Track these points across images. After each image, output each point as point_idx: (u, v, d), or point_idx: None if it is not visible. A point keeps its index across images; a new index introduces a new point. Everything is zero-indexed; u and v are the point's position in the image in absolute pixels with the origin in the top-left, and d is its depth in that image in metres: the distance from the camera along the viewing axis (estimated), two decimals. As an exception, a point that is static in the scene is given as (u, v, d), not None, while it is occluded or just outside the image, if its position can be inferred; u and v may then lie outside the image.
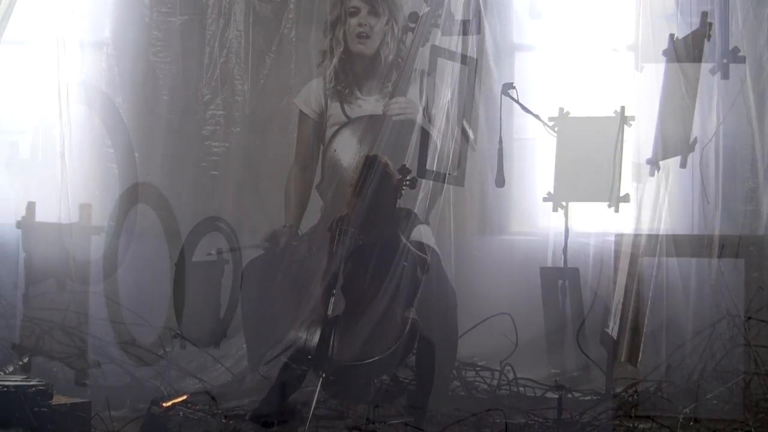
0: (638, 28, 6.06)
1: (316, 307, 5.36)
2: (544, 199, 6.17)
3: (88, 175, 6.27)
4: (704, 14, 5.40)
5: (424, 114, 5.79)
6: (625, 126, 5.99)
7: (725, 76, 5.48)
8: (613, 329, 5.63)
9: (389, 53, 6.07)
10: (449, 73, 5.77)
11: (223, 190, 6.56)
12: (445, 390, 5.72)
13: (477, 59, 5.81)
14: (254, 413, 5.21)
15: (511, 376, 5.91)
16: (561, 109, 6.19)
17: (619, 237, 5.86)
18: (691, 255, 5.67)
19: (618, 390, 5.55)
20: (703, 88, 5.50)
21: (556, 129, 6.16)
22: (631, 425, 5.13)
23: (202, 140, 6.60)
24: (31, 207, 6.07)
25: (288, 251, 6.00)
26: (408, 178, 5.38)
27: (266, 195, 6.48)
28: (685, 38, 5.66)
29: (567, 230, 6.15)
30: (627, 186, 5.91)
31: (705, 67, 5.52)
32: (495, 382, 5.94)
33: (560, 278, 6.21)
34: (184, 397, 5.37)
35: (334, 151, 6.05)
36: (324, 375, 5.12)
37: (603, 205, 5.95)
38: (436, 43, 5.81)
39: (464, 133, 5.78)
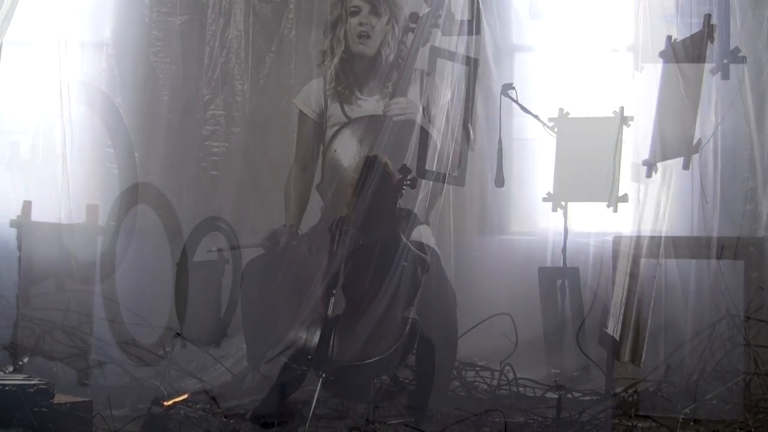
0: (637, 29, 6.06)
1: (316, 307, 5.35)
2: (544, 200, 6.19)
3: (88, 175, 6.28)
4: (707, 16, 5.39)
5: (424, 114, 5.80)
6: (624, 126, 6.00)
7: (725, 76, 5.48)
8: (615, 329, 5.63)
9: (390, 53, 6.07)
10: (449, 73, 5.77)
11: (223, 190, 6.56)
12: (445, 390, 5.72)
13: (477, 59, 5.80)
14: (254, 413, 5.21)
15: (510, 376, 5.91)
16: (561, 110, 6.20)
17: (618, 238, 5.87)
18: (689, 256, 5.67)
19: (618, 390, 5.54)
20: (703, 88, 5.49)
21: (555, 129, 6.18)
22: (630, 424, 5.13)
23: (202, 140, 6.61)
24: (26, 206, 6.05)
25: (288, 251, 6.00)
26: (409, 178, 5.38)
27: (266, 195, 6.48)
28: (683, 40, 5.66)
29: (566, 230, 6.16)
30: (626, 186, 5.92)
31: (705, 67, 5.50)
32: (495, 382, 5.93)
33: (559, 278, 6.22)
34: (185, 396, 5.37)
35: (335, 151, 6.05)
36: (324, 375, 5.12)
37: (602, 205, 5.96)
38: (436, 44, 5.82)
39: (466, 133, 5.77)
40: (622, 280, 5.71)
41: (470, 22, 5.77)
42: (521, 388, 5.88)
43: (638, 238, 5.68)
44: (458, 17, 5.76)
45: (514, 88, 6.16)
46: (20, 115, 6.39)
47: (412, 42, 5.86)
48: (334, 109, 6.10)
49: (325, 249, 5.52)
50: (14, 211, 6.07)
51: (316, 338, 5.30)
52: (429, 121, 5.76)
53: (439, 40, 5.80)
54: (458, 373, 5.97)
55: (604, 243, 6.03)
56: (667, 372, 5.57)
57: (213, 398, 5.32)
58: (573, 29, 6.51)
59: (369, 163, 5.41)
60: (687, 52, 5.59)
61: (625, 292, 5.68)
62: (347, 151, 6.03)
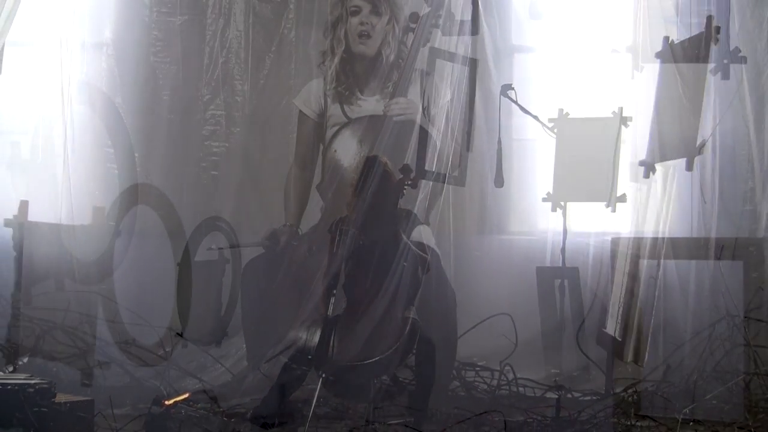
0: (636, 30, 6.07)
1: (317, 307, 5.35)
2: (544, 200, 6.20)
3: (88, 175, 6.26)
4: (709, 18, 5.40)
5: (424, 114, 5.80)
6: (623, 127, 6.01)
7: (725, 76, 5.48)
8: (615, 329, 5.63)
9: (390, 53, 6.06)
10: (449, 73, 5.78)
11: (223, 190, 6.56)
12: (445, 390, 5.72)
13: (477, 60, 5.80)
14: (254, 413, 5.20)
15: (510, 376, 5.90)
16: (560, 110, 6.21)
17: (616, 238, 5.88)
18: (688, 257, 5.67)
19: (618, 390, 5.55)
20: (706, 90, 5.49)
21: (555, 130, 6.19)
22: (629, 423, 5.13)
23: (202, 140, 6.60)
24: (23, 206, 6.02)
25: (288, 251, 6.00)
26: (410, 177, 5.39)
27: (266, 195, 6.48)
28: (682, 41, 5.66)
29: (565, 230, 6.17)
30: (626, 187, 5.92)
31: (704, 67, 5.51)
32: (495, 382, 5.93)
33: (557, 278, 6.23)
34: (186, 395, 5.37)
35: (335, 151, 6.05)
36: (324, 375, 5.13)
37: (602, 206, 5.98)
38: (436, 45, 5.81)
39: (466, 133, 5.77)
40: (621, 280, 5.72)
41: (470, 22, 5.76)
42: (521, 388, 5.87)
43: (637, 238, 5.69)
44: (458, 17, 5.75)
45: (513, 88, 6.17)
46: (21, 116, 6.37)
47: (412, 42, 5.86)
48: (335, 109, 6.10)
49: (325, 249, 5.51)
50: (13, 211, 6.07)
51: (317, 338, 5.30)
52: (429, 121, 5.76)
53: (439, 40, 5.80)
54: (458, 373, 5.97)
55: (604, 243, 6.05)
56: (666, 372, 5.56)
57: (213, 399, 5.33)
58: (572, 30, 6.52)
59: (369, 164, 5.40)
60: (685, 53, 5.59)
61: (624, 292, 5.70)
62: (347, 151, 6.03)
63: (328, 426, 5.17)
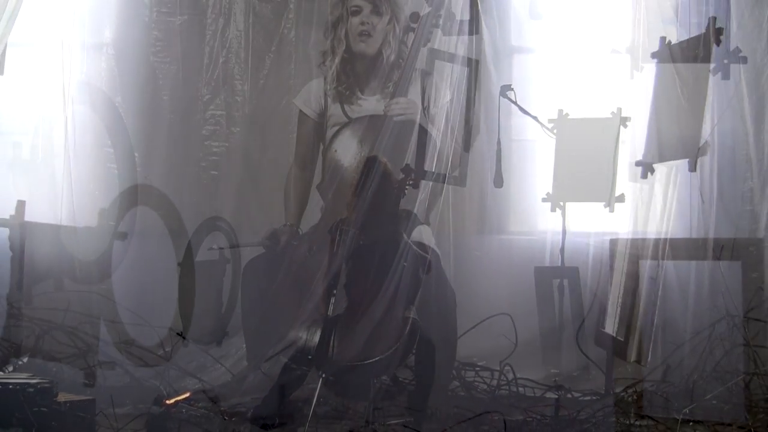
0: (635, 30, 6.07)
1: (317, 307, 5.37)
2: (543, 200, 6.21)
3: (88, 175, 6.26)
4: (712, 19, 5.40)
5: (424, 114, 5.80)
6: (622, 127, 6.02)
7: (726, 76, 5.48)
8: (616, 330, 5.64)
9: (391, 53, 6.06)
10: (449, 73, 5.78)
11: (223, 190, 6.56)
12: (444, 390, 5.72)
13: (478, 60, 5.81)
14: (254, 414, 5.21)
15: (510, 376, 5.91)
16: (560, 111, 6.23)
17: (615, 240, 5.88)
18: (687, 258, 5.66)
19: (618, 390, 5.55)
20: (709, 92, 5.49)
21: (554, 130, 6.20)
22: (628, 422, 5.13)
23: (202, 140, 6.60)
24: (20, 206, 6.01)
25: (288, 251, 6.00)
26: (411, 177, 5.39)
27: (266, 195, 6.49)
28: (680, 43, 5.66)
29: (564, 230, 6.19)
30: (626, 187, 5.93)
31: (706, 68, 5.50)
32: (495, 383, 5.93)
33: (556, 277, 6.25)
34: (188, 394, 5.37)
35: (335, 151, 6.05)
36: (324, 375, 5.13)
37: (602, 206, 6.00)
38: (435, 45, 5.81)
39: (466, 134, 5.78)
40: (620, 280, 5.72)
41: (470, 22, 5.77)
42: (521, 389, 5.87)
43: (637, 239, 5.69)
44: (458, 17, 5.76)
45: (512, 89, 6.18)
46: (22, 116, 6.37)
47: (413, 42, 5.86)
48: (335, 109, 6.10)
49: (325, 249, 5.53)
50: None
51: (317, 338, 5.32)
52: (429, 121, 5.77)
53: (440, 39, 5.80)
54: (458, 373, 5.97)
55: (603, 243, 6.04)
56: (666, 372, 5.56)
57: (212, 399, 5.33)
58: (572, 30, 6.51)
59: (369, 164, 5.41)
60: (684, 54, 5.59)
61: (622, 292, 5.71)
62: (348, 151, 6.03)
63: (328, 426, 5.17)
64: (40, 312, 5.90)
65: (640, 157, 5.85)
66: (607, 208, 6.01)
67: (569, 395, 5.69)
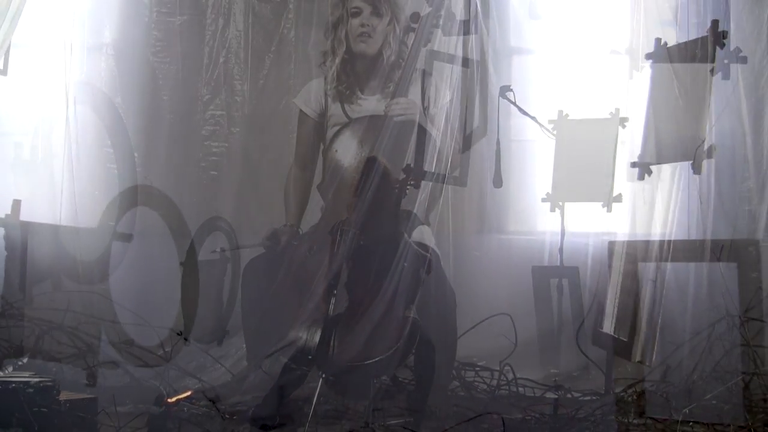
0: (635, 31, 6.08)
1: (317, 307, 5.36)
2: (543, 200, 6.23)
3: (88, 175, 6.24)
4: (715, 22, 5.40)
5: (424, 114, 5.81)
6: (620, 128, 6.04)
7: (726, 76, 5.49)
8: (617, 330, 5.64)
9: (391, 54, 6.06)
10: (449, 74, 5.78)
11: (223, 190, 6.56)
12: (444, 390, 5.72)
13: (479, 61, 5.81)
14: (254, 414, 5.20)
15: (510, 376, 5.90)
16: (560, 112, 6.24)
17: (613, 242, 5.88)
18: (685, 259, 5.66)
19: (618, 390, 5.55)
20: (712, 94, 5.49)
21: (554, 131, 6.21)
22: (627, 420, 5.13)
23: (202, 140, 6.61)
24: (16, 205, 5.99)
25: (288, 251, 6.00)
26: (412, 177, 5.39)
27: (266, 195, 6.49)
28: (679, 44, 5.67)
29: (563, 230, 6.21)
30: (626, 187, 5.93)
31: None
32: (494, 383, 5.93)
33: (553, 277, 6.27)
34: (189, 392, 5.37)
35: (335, 151, 6.05)
36: (324, 375, 5.13)
37: (600, 206, 6.02)
38: (435, 46, 5.82)
39: (469, 134, 5.79)
40: (620, 281, 5.73)
41: (470, 22, 5.77)
42: (521, 389, 5.87)
43: (638, 241, 5.70)
44: (458, 17, 5.76)
45: (512, 90, 6.19)
46: (23, 117, 6.36)
47: (413, 42, 5.85)
48: (335, 108, 6.10)
49: (325, 249, 5.53)
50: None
51: (317, 338, 5.31)
52: (429, 122, 5.77)
53: (440, 40, 5.80)
54: (458, 373, 5.97)
55: (603, 243, 6.04)
56: (666, 372, 5.57)
57: (211, 400, 5.32)
58: (571, 31, 6.52)
59: (369, 164, 5.41)
60: (682, 56, 5.59)
61: (619, 292, 5.71)
62: (348, 151, 6.03)
63: (328, 426, 5.16)
64: (40, 312, 5.88)
65: (636, 158, 5.86)
66: (605, 208, 6.03)
67: (569, 395, 5.69)
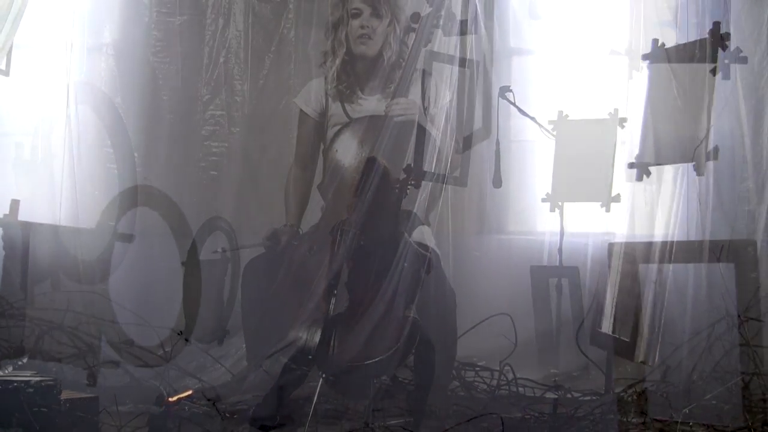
0: (635, 31, 6.08)
1: (317, 307, 5.37)
2: (543, 200, 6.23)
3: (88, 175, 6.24)
4: (716, 24, 5.41)
5: (425, 114, 5.81)
6: (619, 128, 6.04)
7: (726, 76, 5.49)
8: (618, 330, 5.64)
9: (392, 54, 6.05)
10: (449, 74, 5.79)
11: (223, 190, 6.57)
12: (444, 390, 5.72)
13: (478, 62, 5.82)
14: (254, 414, 5.21)
15: (510, 376, 5.91)
16: (560, 112, 6.25)
17: (613, 244, 5.89)
18: (684, 261, 5.67)
19: (618, 390, 5.55)
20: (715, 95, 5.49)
21: (554, 131, 6.22)
22: (626, 420, 5.14)
23: (202, 140, 6.62)
24: (14, 205, 5.99)
25: (288, 251, 6.00)
26: (412, 177, 5.40)
27: (266, 195, 6.50)
28: (677, 45, 5.67)
29: (562, 230, 6.22)
30: (626, 188, 5.93)
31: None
32: (494, 383, 5.93)
33: (552, 276, 6.28)
34: (190, 392, 5.38)
35: (336, 151, 6.04)
36: (324, 375, 5.13)
37: (599, 206, 6.03)
38: (435, 47, 5.81)
39: (469, 135, 5.80)
40: (620, 282, 5.73)
41: (470, 22, 5.77)
42: (520, 389, 5.88)
43: (636, 242, 5.70)
44: (459, 18, 5.76)
45: (511, 90, 6.19)
46: (24, 117, 6.35)
47: (413, 42, 5.85)
48: (336, 108, 6.10)
49: (325, 249, 5.54)
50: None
51: (317, 338, 5.32)
52: (429, 122, 5.77)
53: (440, 40, 5.80)
54: (458, 373, 5.97)
55: (602, 243, 6.04)
56: (666, 372, 5.57)
57: (210, 401, 5.32)
58: (570, 32, 6.53)
59: (369, 164, 5.42)
60: (680, 57, 5.60)
61: (617, 292, 5.72)
62: (348, 151, 6.02)
63: (328, 426, 5.16)
64: (40, 312, 5.88)
65: (640, 158, 5.86)
66: (604, 208, 6.04)
67: (569, 395, 5.70)
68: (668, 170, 5.68)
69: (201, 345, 6.03)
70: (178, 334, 5.86)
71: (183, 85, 6.63)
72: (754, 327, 5.39)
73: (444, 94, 5.84)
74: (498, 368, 5.93)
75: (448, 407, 5.44)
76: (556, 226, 6.30)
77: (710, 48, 5.35)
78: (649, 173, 5.70)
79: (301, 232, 6.12)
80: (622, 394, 5.45)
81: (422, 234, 5.68)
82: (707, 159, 5.39)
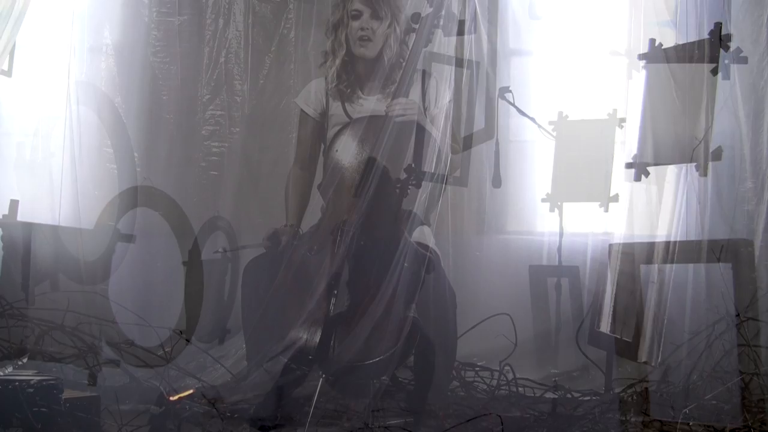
0: (632, 32, 6.09)
1: (318, 307, 5.37)
2: (543, 200, 6.24)
3: (87, 175, 6.24)
4: (718, 24, 5.41)
5: (425, 114, 5.82)
6: (618, 128, 6.05)
7: (726, 76, 5.50)
8: (615, 330, 5.65)
9: (392, 55, 6.03)
10: (449, 74, 5.79)
11: (223, 190, 6.57)
12: (444, 390, 5.72)
13: (478, 62, 5.82)
14: (254, 415, 5.20)
15: (510, 376, 5.90)
16: (560, 113, 6.26)
17: (613, 244, 5.90)
18: (683, 261, 5.67)
19: (618, 390, 5.56)
20: (718, 95, 5.49)
21: (554, 132, 6.22)
22: (625, 419, 5.15)
23: (202, 140, 6.62)
24: (13, 205, 5.99)
25: (289, 251, 5.99)
26: (413, 177, 5.40)
27: (266, 195, 6.49)
28: (677, 46, 5.68)
29: (561, 230, 6.23)
30: (625, 188, 5.94)
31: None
32: (494, 383, 5.93)
33: (551, 276, 6.30)
34: (191, 391, 5.38)
35: (336, 151, 6.02)
36: (324, 375, 5.13)
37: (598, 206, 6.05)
38: (435, 47, 5.81)
39: (469, 135, 5.80)
40: (621, 282, 5.74)
41: (470, 23, 5.78)
42: (520, 389, 5.87)
43: (636, 243, 5.71)
44: (459, 18, 5.77)
45: (510, 91, 6.20)
46: (24, 117, 6.35)
47: (413, 42, 5.84)
48: (336, 108, 6.08)
49: (326, 249, 5.54)
50: (20, 211, 6.03)
51: (317, 338, 5.32)
52: (430, 122, 5.78)
53: (440, 40, 5.81)
54: (458, 373, 5.97)
55: (602, 243, 6.06)
56: (666, 372, 5.58)
57: (210, 401, 5.32)
58: (569, 33, 6.54)
59: (369, 165, 5.42)
60: (679, 57, 5.61)
61: (615, 292, 5.73)
62: (348, 151, 5.99)
63: (328, 426, 5.15)
64: (40, 312, 5.87)
65: (639, 158, 5.86)
66: (602, 208, 6.05)
67: (569, 395, 5.70)
68: (668, 170, 5.69)
69: (201, 344, 6.02)
70: (179, 334, 5.86)
71: (183, 85, 6.62)
72: (752, 327, 5.40)
73: (444, 95, 5.84)
74: (498, 368, 5.93)
75: (448, 407, 5.44)
76: (556, 226, 6.31)
77: (711, 48, 5.36)
78: (647, 173, 5.71)
79: (301, 233, 6.11)
80: (621, 394, 5.48)
81: (422, 234, 5.69)
82: (710, 159, 5.39)
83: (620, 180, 5.97)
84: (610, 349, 5.76)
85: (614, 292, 5.79)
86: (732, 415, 5.12)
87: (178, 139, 6.61)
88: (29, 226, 5.90)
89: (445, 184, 5.65)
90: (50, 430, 4.70)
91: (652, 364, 5.43)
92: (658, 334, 5.42)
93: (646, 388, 5.35)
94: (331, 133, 6.10)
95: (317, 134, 6.18)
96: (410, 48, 5.88)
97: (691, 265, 5.65)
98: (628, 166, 5.77)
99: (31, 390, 4.72)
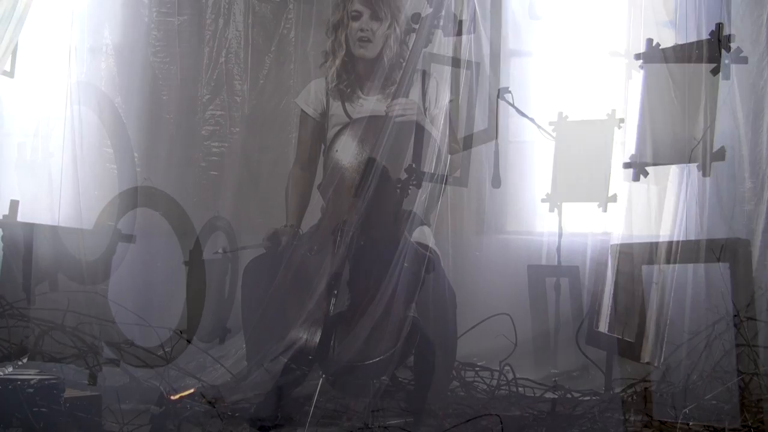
0: (632, 33, 6.10)
1: (318, 307, 5.37)
2: (543, 200, 6.25)
3: (87, 175, 6.23)
4: (719, 25, 5.42)
5: (425, 115, 5.82)
6: (617, 128, 6.06)
7: (726, 76, 5.50)
8: (615, 330, 5.66)
9: (392, 56, 6.03)
10: (449, 75, 5.79)
11: (223, 190, 6.57)
12: (444, 390, 5.73)
13: (478, 63, 5.83)
14: (254, 415, 5.20)
15: (510, 376, 5.91)
16: (560, 114, 6.26)
17: (614, 244, 5.91)
18: (683, 261, 5.68)
19: (618, 389, 5.57)
20: (719, 95, 5.49)
21: (554, 133, 6.23)
22: (624, 418, 5.15)
23: (202, 140, 6.62)
24: (14, 205, 5.97)
25: (289, 251, 5.99)
26: (414, 177, 5.41)
27: (266, 195, 6.50)
28: (675, 46, 5.69)
29: (560, 230, 6.24)
30: (624, 188, 5.95)
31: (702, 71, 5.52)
32: (494, 382, 5.93)
33: (550, 276, 6.31)
34: (192, 390, 5.38)
35: (336, 151, 6.02)
36: (324, 375, 5.13)
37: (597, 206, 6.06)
38: (435, 47, 5.82)
39: (471, 135, 5.81)
40: (621, 282, 5.75)
41: (470, 23, 5.78)
42: (520, 389, 5.88)
43: (637, 243, 5.71)
44: (458, 18, 5.77)
45: (510, 91, 6.20)
46: (25, 117, 6.33)
47: (413, 43, 5.84)
48: (336, 108, 6.08)
49: (326, 249, 5.54)
50: (20, 212, 6.02)
51: (317, 338, 5.32)
52: (430, 122, 5.78)
53: (440, 41, 5.81)
54: (458, 373, 5.98)
55: (602, 243, 6.07)
56: (666, 372, 5.58)
57: (210, 402, 5.32)
58: (569, 34, 6.55)
59: (369, 165, 5.42)
60: (678, 57, 5.61)
61: (614, 292, 5.73)
62: (348, 151, 6.00)
63: (328, 426, 5.15)
64: (40, 312, 5.87)
65: (638, 159, 5.86)
66: (601, 208, 6.06)
67: (569, 395, 5.71)
68: (670, 170, 5.69)
69: (201, 344, 6.02)
70: (179, 334, 5.86)
71: (183, 85, 6.62)
72: (751, 327, 5.41)
73: (444, 95, 5.85)
74: (498, 368, 5.94)
75: (447, 407, 5.45)
76: (555, 226, 6.32)
77: (710, 48, 5.36)
78: (646, 173, 5.72)
79: (301, 233, 6.11)
80: (621, 393, 5.49)
81: (422, 234, 5.69)
82: (713, 160, 5.39)
83: (619, 180, 5.98)
84: (609, 349, 5.77)
85: (614, 293, 5.80)
86: (731, 415, 5.12)
87: (178, 139, 6.62)
88: (30, 227, 5.88)
89: (445, 184, 5.66)
90: (51, 430, 4.71)
91: (655, 364, 5.43)
92: (660, 335, 5.43)
93: (647, 388, 5.35)
94: (331, 133, 6.10)
95: (317, 134, 6.18)
96: (410, 48, 5.89)
97: (690, 265, 5.65)
98: (626, 166, 5.78)
99: (32, 390, 4.73)
